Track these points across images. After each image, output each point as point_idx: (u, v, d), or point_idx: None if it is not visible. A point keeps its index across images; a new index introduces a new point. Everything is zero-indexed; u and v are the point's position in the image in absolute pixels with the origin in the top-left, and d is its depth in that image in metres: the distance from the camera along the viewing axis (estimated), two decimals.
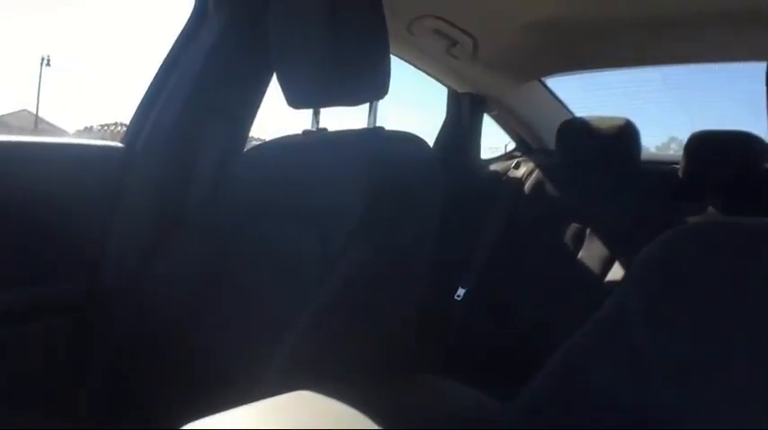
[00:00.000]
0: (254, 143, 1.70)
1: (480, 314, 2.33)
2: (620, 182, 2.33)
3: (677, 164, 2.29)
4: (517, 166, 2.62)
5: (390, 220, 1.21)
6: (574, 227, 2.35)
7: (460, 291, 2.38)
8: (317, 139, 1.44)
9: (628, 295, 0.95)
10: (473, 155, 2.69)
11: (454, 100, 2.59)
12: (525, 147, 2.80)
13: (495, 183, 2.57)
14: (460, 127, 2.59)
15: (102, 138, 1.71)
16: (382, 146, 1.30)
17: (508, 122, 2.74)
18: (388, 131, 1.35)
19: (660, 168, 2.39)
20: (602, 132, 2.34)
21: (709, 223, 0.99)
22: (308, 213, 1.29)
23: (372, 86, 1.36)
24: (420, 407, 1.06)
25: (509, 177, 2.56)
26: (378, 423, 0.93)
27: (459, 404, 1.09)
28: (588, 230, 2.33)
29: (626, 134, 2.34)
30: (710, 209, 2.14)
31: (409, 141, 1.30)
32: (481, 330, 2.29)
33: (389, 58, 1.35)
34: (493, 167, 2.71)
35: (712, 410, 0.84)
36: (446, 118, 2.61)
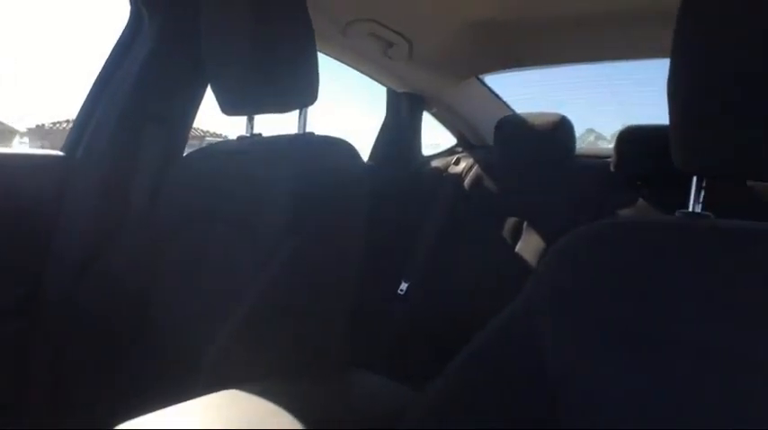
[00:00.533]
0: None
1: (422, 307, 2.39)
2: (556, 176, 2.41)
3: (610, 158, 2.37)
4: (457, 162, 2.68)
5: (318, 222, 1.26)
6: (511, 220, 2.42)
7: (403, 286, 2.43)
8: (249, 145, 1.49)
9: (534, 293, 1.02)
10: (414, 152, 2.75)
11: (393, 99, 2.64)
12: (466, 143, 2.85)
13: (436, 179, 2.62)
14: (400, 125, 2.64)
15: (53, 136, 1.74)
16: (311, 150, 1.35)
17: (448, 119, 2.80)
18: (318, 136, 1.41)
19: (593, 162, 2.47)
20: (537, 128, 2.41)
21: (611, 222, 1.06)
22: (240, 217, 1.34)
23: (302, 93, 1.41)
24: (343, 405, 1.11)
25: (449, 173, 2.62)
26: (300, 422, 0.99)
27: (384, 402, 1.14)
28: (525, 223, 2.40)
29: (560, 129, 2.41)
30: (641, 201, 2.21)
31: (337, 145, 1.35)
32: (423, 323, 2.35)
33: (317, 66, 1.40)
34: (434, 164, 2.76)
35: (614, 403, 0.91)
36: (386, 117, 2.66)
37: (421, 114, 2.69)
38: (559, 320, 0.99)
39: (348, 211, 1.30)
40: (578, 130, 2.46)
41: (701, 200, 1.06)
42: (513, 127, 2.46)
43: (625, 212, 2.23)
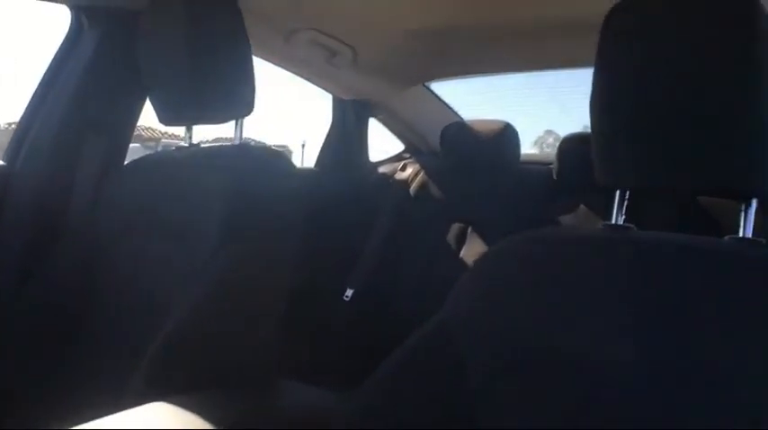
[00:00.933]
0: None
1: (368, 313, 2.41)
2: (500, 182, 2.44)
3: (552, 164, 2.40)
4: (404, 168, 2.70)
5: (251, 235, 1.27)
6: (456, 226, 2.45)
7: (349, 292, 2.45)
8: (187, 155, 1.50)
9: (453, 308, 1.04)
10: (360, 158, 2.76)
11: (339, 106, 2.66)
12: (413, 149, 2.88)
13: (383, 185, 2.64)
14: (346, 132, 2.66)
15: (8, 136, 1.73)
16: (247, 161, 1.36)
17: (395, 126, 2.82)
18: (255, 147, 1.42)
19: (537, 169, 2.50)
20: (481, 135, 2.44)
21: (531, 236, 1.08)
22: (177, 227, 1.35)
23: (239, 104, 1.43)
24: (268, 415, 1.13)
25: (395, 179, 2.64)
26: None
27: (308, 413, 1.16)
28: (470, 229, 2.43)
29: (505, 136, 2.44)
30: (582, 207, 2.25)
31: (273, 156, 1.37)
32: (367, 329, 2.37)
33: (254, 77, 1.42)
34: (381, 170, 2.78)
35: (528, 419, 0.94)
36: (332, 123, 2.67)
37: (367, 121, 2.71)
38: (476, 336, 1.01)
39: (282, 224, 1.32)
40: (538, 131, 2.49)
41: (623, 212, 1.09)
42: (458, 133, 2.49)
43: (566, 219, 2.27)
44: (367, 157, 2.79)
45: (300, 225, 1.34)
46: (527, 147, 4.09)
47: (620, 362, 0.92)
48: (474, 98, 2.89)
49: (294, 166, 1.37)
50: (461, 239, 2.43)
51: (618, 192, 1.07)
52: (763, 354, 0.85)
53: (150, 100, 1.48)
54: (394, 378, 1.03)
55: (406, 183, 2.60)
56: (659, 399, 0.89)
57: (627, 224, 1.07)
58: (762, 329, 0.86)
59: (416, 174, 2.62)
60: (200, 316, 1.20)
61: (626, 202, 1.08)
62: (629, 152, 1.00)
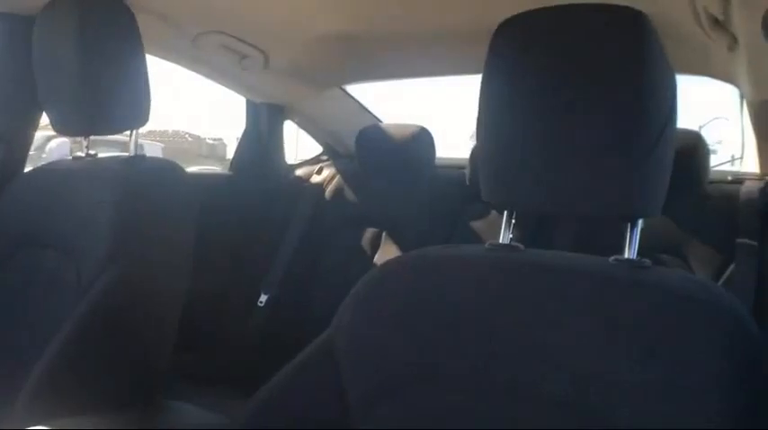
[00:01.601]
0: None
1: (282, 319, 2.39)
2: (414, 187, 2.44)
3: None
4: (320, 172, 2.68)
5: (140, 249, 1.24)
6: (371, 231, 2.45)
7: (263, 298, 2.42)
8: (81, 166, 1.46)
9: (333, 333, 1.03)
10: (276, 162, 2.73)
11: (252, 109, 2.62)
12: (332, 151, 2.86)
13: (298, 189, 2.62)
14: (260, 136, 2.62)
15: None
16: (138, 174, 1.33)
17: (312, 129, 2.79)
18: (149, 159, 1.39)
19: (451, 173, 2.51)
20: (397, 139, 2.43)
21: (415, 255, 1.08)
22: (66, 242, 1.31)
23: (133, 114, 1.39)
24: None
25: (310, 183, 2.62)
26: None
27: None
28: (384, 234, 2.42)
29: (419, 140, 2.44)
30: (493, 213, 2.26)
31: (166, 169, 1.34)
32: (281, 335, 2.35)
33: (149, 87, 1.39)
34: (298, 173, 2.76)
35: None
36: (246, 127, 2.64)
37: (281, 124, 2.67)
38: (356, 358, 1.01)
39: (173, 238, 1.29)
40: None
41: (510, 231, 1.09)
42: (373, 137, 2.48)
43: (478, 225, 2.28)
44: (283, 160, 2.76)
45: (192, 234, 1.32)
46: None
47: (497, 383, 0.93)
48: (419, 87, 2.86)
49: (188, 180, 1.34)
50: (376, 244, 2.43)
51: (505, 212, 1.08)
52: (637, 379, 0.85)
53: (44, 109, 1.44)
54: (276, 398, 1.02)
55: (321, 187, 2.59)
56: (537, 419, 0.89)
57: (514, 244, 1.07)
58: (635, 348, 0.87)
59: (332, 178, 2.60)
60: (85, 333, 1.17)
61: (513, 222, 1.09)
62: (514, 174, 1.00)
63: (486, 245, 1.06)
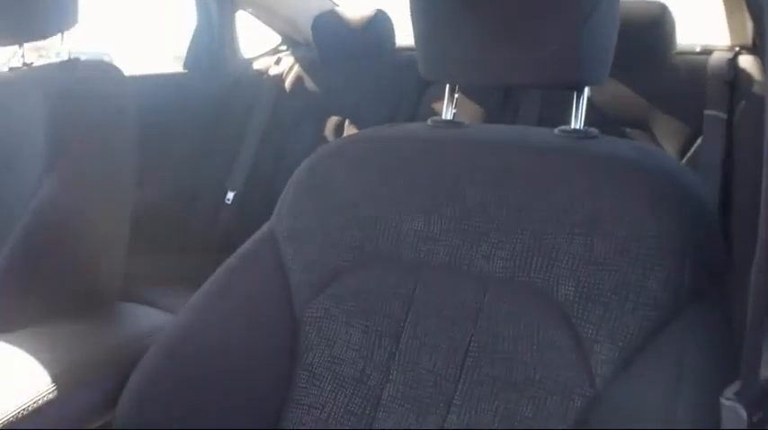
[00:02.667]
0: None
1: (249, 215, 2.37)
2: (375, 73, 2.38)
3: None
4: (278, 62, 2.61)
5: (79, 155, 1.22)
6: (333, 119, 2.41)
7: (230, 195, 2.40)
8: (17, 76, 1.42)
9: (276, 218, 1.02)
10: (231, 55, 2.65)
11: (201, 2, 2.52)
12: (290, 40, 2.77)
13: (257, 82, 2.56)
14: (212, 29, 2.54)
15: None
16: (73, 79, 1.29)
17: (266, 17, 2.70)
18: (83, 62, 1.34)
19: (412, 56, 2.44)
20: (353, 24, 2.36)
21: (352, 137, 1.06)
22: (4, 155, 1.28)
23: (60, 17, 1.34)
24: (99, 342, 1.11)
25: (269, 75, 2.56)
26: (50, 368, 0.97)
27: (141, 332, 1.14)
28: (347, 122, 2.38)
29: (377, 24, 2.37)
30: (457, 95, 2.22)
31: (101, 71, 1.30)
32: (251, 231, 2.34)
33: None
34: (256, 66, 2.68)
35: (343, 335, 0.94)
36: (197, 22, 2.54)
37: (232, 15, 2.58)
38: (299, 245, 1.00)
39: (113, 141, 1.26)
40: None
41: (454, 107, 1.07)
42: (330, 23, 2.41)
43: (440, 107, 2.23)
44: (239, 53, 2.68)
45: (135, 137, 1.28)
46: None
47: (438, 262, 0.92)
48: None
49: (125, 80, 1.30)
50: (339, 132, 2.39)
51: (447, 87, 1.05)
52: (581, 252, 0.85)
53: None
54: (221, 287, 1.01)
55: (280, 78, 2.52)
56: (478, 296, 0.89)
57: (456, 120, 1.05)
58: (579, 221, 0.86)
59: (291, 68, 2.54)
60: (29, 245, 1.15)
61: (456, 96, 1.06)
62: (451, 47, 0.97)
63: (429, 121, 1.04)
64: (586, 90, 0.97)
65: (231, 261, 1.03)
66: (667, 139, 1.91)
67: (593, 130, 0.96)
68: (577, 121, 0.97)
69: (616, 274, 0.84)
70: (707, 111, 1.85)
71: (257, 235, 1.04)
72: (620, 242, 0.84)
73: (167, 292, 1.83)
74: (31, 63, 1.47)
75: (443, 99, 2.16)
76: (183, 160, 2.33)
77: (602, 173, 0.89)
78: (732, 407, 0.65)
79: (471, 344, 0.89)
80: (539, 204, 0.89)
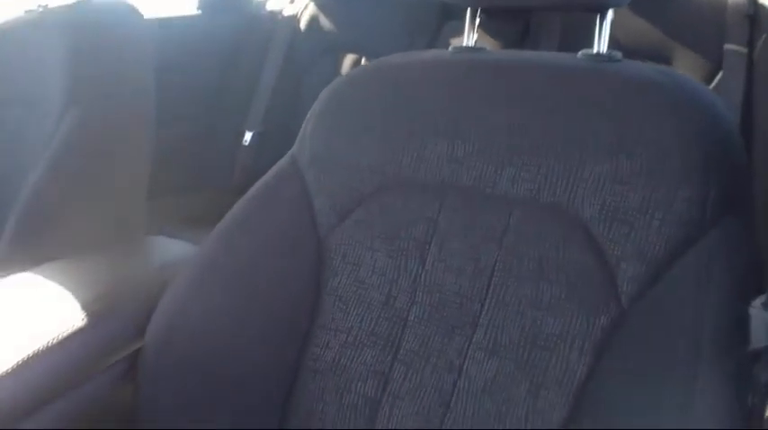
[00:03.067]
0: None
1: (268, 156, 2.37)
2: (391, 8, 2.35)
3: None
4: (292, 1, 2.59)
5: (98, 90, 1.22)
6: (350, 57, 2.39)
7: (247, 136, 2.40)
8: (34, 17, 1.41)
9: (299, 145, 1.02)
10: None
11: None
12: None
13: (272, 23, 2.54)
14: None
15: None
16: (90, 17, 1.29)
17: None
18: (100, 2, 1.34)
19: None
20: None
21: (376, 63, 1.05)
22: (26, 94, 1.29)
23: None
24: (125, 274, 1.12)
25: (284, 15, 2.53)
26: (81, 301, 0.99)
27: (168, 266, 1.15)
28: (363, 59, 2.37)
29: None
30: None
31: (115, 9, 1.29)
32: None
33: None
34: (269, 7, 2.66)
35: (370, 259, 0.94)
36: None
37: None
38: (323, 172, 1.00)
39: (130, 76, 1.26)
40: None
41: (475, 32, 1.06)
42: None
43: (458, 41, 2.21)
44: None
45: (152, 74, 1.28)
46: None
47: (461, 185, 0.92)
48: None
49: (140, 16, 1.29)
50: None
51: (468, 12, 1.04)
52: (605, 171, 0.84)
53: None
54: (245, 216, 1.02)
55: (295, 18, 2.50)
56: (503, 218, 0.89)
57: (478, 46, 1.04)
58: (603, 140, 0.85)
59: (305, 8, 2.51)
60: (56, 178, 1.16)
61: (477, 22, 1.05)
62: None
63: (450, 49, 1.03)
64: (609, 13, 0.95)
65: (254, 190, 1.03)
66: (688, 74, 1.89)
67: (617, 54, 0.95)
68: (600, 45, 0.96)
69: (641, 193, 0.83)
70: (727, 46, 1.83)
71: (280, 163, 1.04)
72: (646, 161, 0.84)
73: (186, 231, 1.84)
74: (47, 5, 1.46)
75: (461, 34, 2.14)
76: (199, 101, 2.32)
77: (628, 94, 0.88)
78: (761, 315, 0.65)
79: (497, 265, 0.89)
80: (563, 125, 0.89)
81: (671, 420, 0.71)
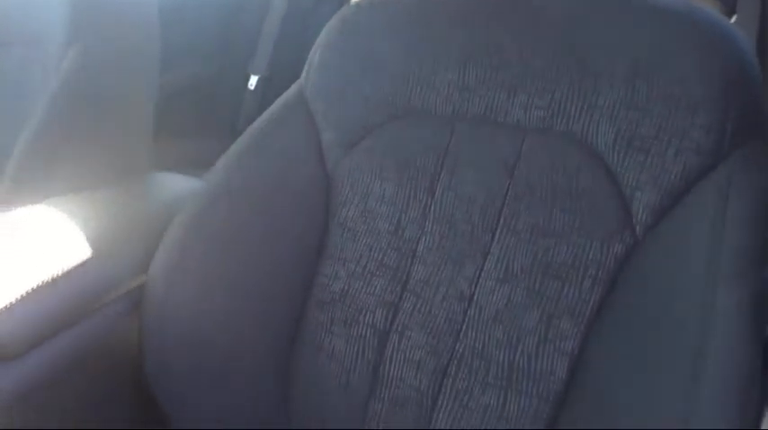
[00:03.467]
0: None
1: (273, 99, 2.35)
2: None
3: None
4: None
5: (101, 28, 1.20)
6: None
7: (253, 80, 2.37)
8: None
9: (304, 83, 1.00)
10: None
11: None
12: None
13: None
14: None
15: None
16: None
17: None
18: None
19: None
20: None
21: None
22: (27, 36, 1.27)
23: None
24: (130, 207, 1.10)
25: None
26: (85, 231, 0.98)
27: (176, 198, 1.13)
28: None
29: None
30: None
31: None
32: None
33: None
34: None
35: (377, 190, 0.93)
36: None
37: None
38: (330, 102, 0.98)
39: (134, 15, 1.23)
40: None
41: None
42: None
43: None
44: None
45: (156, 16, 1.25)
46: None
47: (473, 114, 0.90)
48: None
49: None
50: None
51: None
52: (620, 99, 0.83)
53: None
54: (251, 146, 1.00)
55: None
56: (514, 146, 0.87)
57: None
58: (619, 67, 0.84)
59: None
60: (59, 114, 1.14)
61: None
62: None
63: None
64: None
65: (260, 122, 1.01)
66: None
67: None
68: None
69: (658, 120, 0.81)
70: None
71: (287, 94, 1.02)
72: (663, 87, 0.82)
73: (191, 175, 1.83)
74: None
75: None
76: (204, 45, 2.29)
77: (646, 19, 0.86)
78: None
79: (508, 194, 0.87)
80: (578, 50, 0.87)
81: (686, 348, 0.70)
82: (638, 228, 0.81)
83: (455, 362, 0.85)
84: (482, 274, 0.86)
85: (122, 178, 1.22)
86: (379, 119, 0.96)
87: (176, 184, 1.19)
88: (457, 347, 0.86)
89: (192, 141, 2.20)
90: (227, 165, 1.00)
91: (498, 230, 0.87)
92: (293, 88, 1.03)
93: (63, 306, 0.95)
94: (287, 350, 0.96)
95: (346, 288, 0.93)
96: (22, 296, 0.90)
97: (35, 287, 0.91)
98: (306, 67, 1.03)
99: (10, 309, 0.89)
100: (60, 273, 0.95)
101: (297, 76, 2.26)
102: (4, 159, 1.19)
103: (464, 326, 0.86)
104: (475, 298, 0.86)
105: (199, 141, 2.22)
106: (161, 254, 1.00)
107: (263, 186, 1.00)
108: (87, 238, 0.99)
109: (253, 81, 2.38)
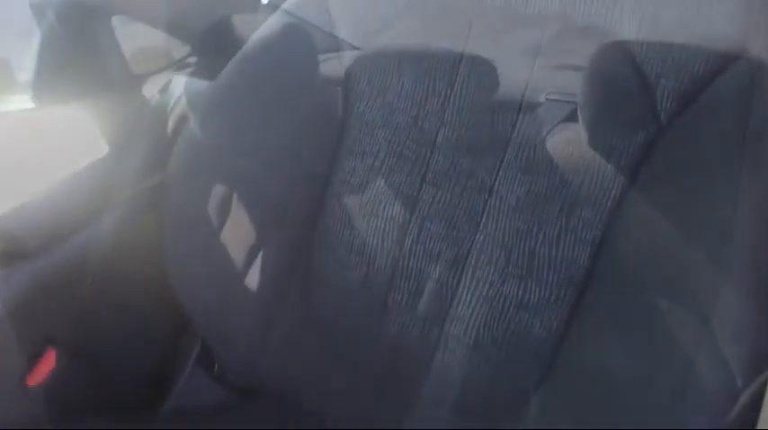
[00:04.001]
0: None
1: None
2: None
3: None
4: None
5: None
6: None
7: None
8: None
9: None
10: None
11: None
12: None
13: None
14: None
15: None
16: None
17: None
18: None
19: None
20: None
21: None
22: None
23: None
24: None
25: None
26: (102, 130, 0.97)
27: None
28: None
29: None
30: None
31: None
32: None
33: None
34: None
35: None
36: None
37: None
38: (345, 4, 0.96)
39: None
40: None
41: None
42: None
43: None
44: None
45: None
46: None
47: (495, 5, 0.88)
48: None
49: None
50: None
51: None
52: None
53: None
54: (263, 43, 0.99)
55: None
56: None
57: None
58: None
59: None
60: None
61: None
62: None
63: None
64: None
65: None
66: None
67: None
68: None
69: (681, 8, 0.79)
70: None
71: (277, 13, 1.00)
72: None
73: None
74: None
75: None
76: None
77: None
78: None
79: (529, 83, 0.86)
80: None
81: (714, 233, 0.70)
82: (662, 115, 0.79)
83: (475, 252, 0.85)
84: (503, 164, 0.85)
85: (135, 81, 1.21)
86: (395, 12, 0.95)
87: (191, 83, 1.17)
88: (477, 237, 0.85)
89: None
90: (242, 57, 0.99)
91: (519, 119, 0.86)
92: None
93: (81, 203, 0.95)
94: (307, 246, 0.96)
95: (365, 182, 0.93)
96: (39, 193, 0.90)
97: (52, 185, 0.91)
98: None
99: (28, 206, 0.89)
100: (77, 171, 0.94)
101: None
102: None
103: (484, 217, 0.85)
104: (495, 188, 0.85)
105: None
106: (178, 152, 1.00)
107: (278, 82, 0.98)
108: (105, 136, 0.99)
109: None
